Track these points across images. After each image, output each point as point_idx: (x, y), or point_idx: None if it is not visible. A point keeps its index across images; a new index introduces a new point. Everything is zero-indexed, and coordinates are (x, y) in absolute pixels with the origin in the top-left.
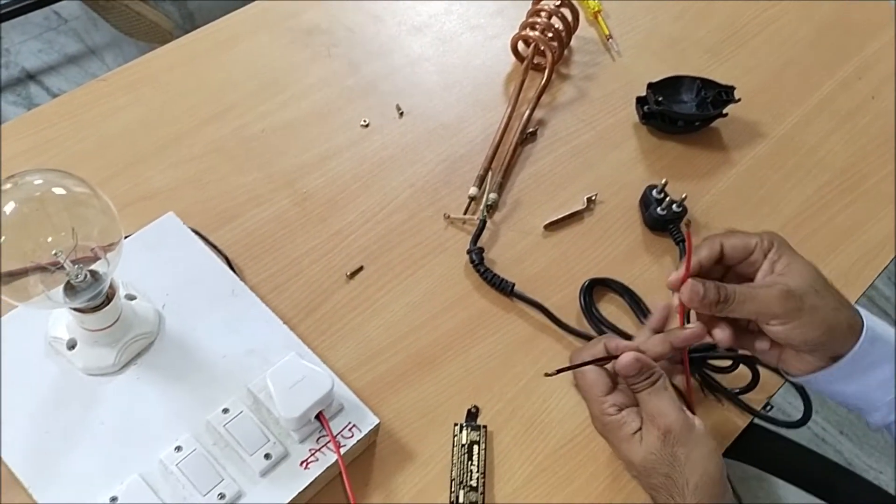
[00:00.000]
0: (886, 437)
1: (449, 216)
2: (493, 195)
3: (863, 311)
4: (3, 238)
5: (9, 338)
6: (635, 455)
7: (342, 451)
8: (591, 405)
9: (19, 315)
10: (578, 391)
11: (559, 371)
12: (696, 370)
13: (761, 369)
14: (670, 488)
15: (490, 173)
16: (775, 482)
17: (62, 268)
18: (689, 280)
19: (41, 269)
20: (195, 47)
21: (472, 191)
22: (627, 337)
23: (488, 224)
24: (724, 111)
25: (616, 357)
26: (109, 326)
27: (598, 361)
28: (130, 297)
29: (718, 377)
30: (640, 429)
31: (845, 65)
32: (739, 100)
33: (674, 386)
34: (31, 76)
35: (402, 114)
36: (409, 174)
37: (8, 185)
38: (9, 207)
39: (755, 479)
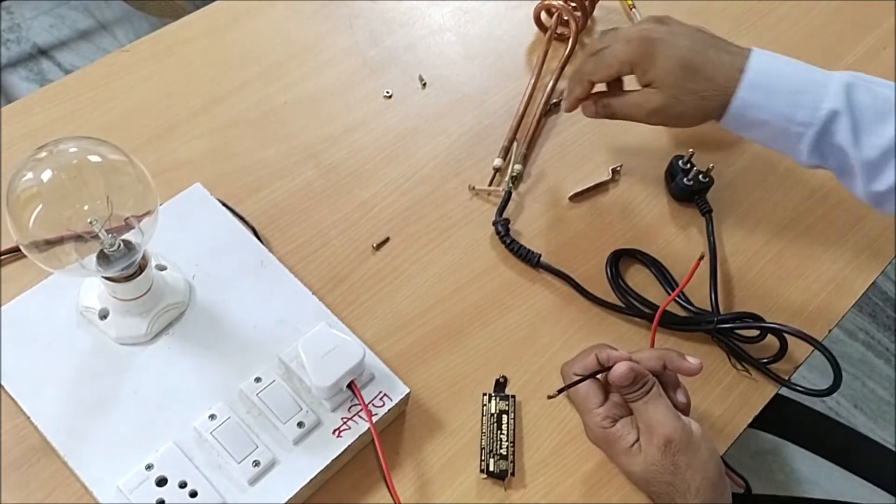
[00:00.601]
0: None
1: (474, 187)
2: (517, 166)
3: (751, 68)
4: (39, 207)
5: (40, 307)
6: (635, 466)
7: (374, 419)
8: (584, 417)
9: (50, 284)
10: (571, 403)
11: (560, 392)
12: (723, 340)
13: (790, 339)
14: (672, 494)
15: (515, 144)
16: (789, 456)
17: (97, 237)
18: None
19: (76, 237)
20: (217, 18)
21: (497, 162)
22: (653, 306)
23: (513, 195)
24: None
25: (608, 368)
26: (141, 296)
27: (593, 375)
28: (161, 268)
29: (745, 346)
30: (637, 440)
31: (869, 35)
32: None
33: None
34: (42, 52)
35: (424, 85)
36: (433, 146)
37: (43, 154)
38: (45, 175)
39: (770, 453)
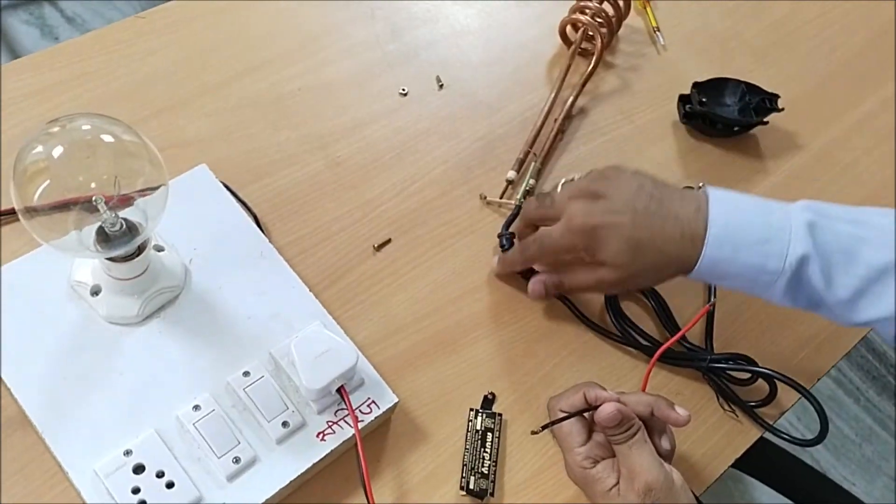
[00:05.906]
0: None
1: (485, 197)
2: (531, 181)
3: (713, 222)
4: (47, 182)
5: (31, 276)
6: None
7: (360, 426)
8: (566, 455)
9: (42, 254)
10: (553, 438)
11: (545, 427)
12: (714, 379)
13: (780, 385)
14: None
15: (533, 156)
16: (750, 483)
17: (97, 210)
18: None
19: (77, 209)
20: None
21: (511, 174)
22: (648, 338)
23: None
24: (766, 119)
25: (595, 408)
26: (137, 276)
27: (580, 413)
28: (158, 249)
29: (735, 388)
30: (616, 484)
31: (889, 83)
32: (783, 109)
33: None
34: None
35: (441, 86)
36: (445, 150)
37: (55, 128)
38: (56, 151)
39: (731, 478)
